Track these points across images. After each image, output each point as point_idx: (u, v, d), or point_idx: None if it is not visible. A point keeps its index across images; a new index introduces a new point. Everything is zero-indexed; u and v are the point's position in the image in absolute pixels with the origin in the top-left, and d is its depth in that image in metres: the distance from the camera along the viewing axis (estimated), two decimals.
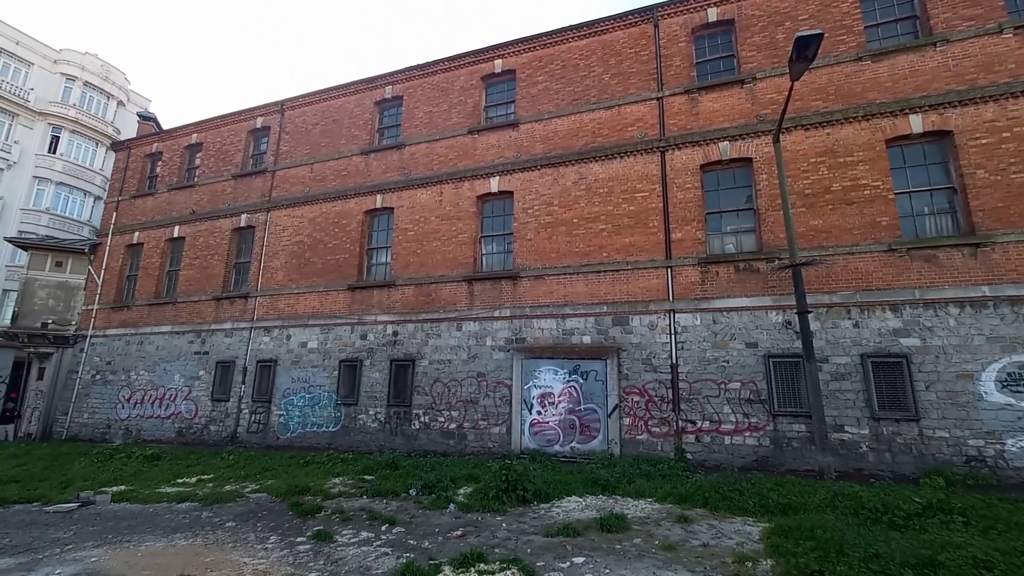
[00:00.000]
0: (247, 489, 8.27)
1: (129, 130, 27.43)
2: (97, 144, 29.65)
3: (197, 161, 18.43)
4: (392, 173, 14.72)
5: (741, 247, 10.93)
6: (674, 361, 10.57)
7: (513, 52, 14.05)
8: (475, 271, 13.03)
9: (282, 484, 8.33)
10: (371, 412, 13.10)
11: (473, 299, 12.79)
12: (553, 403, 11.30)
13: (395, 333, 13.41)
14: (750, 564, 4.73)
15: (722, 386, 10.14)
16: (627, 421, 10.66)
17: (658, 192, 11.56)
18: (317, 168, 15.90)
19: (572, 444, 10.89)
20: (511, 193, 13.12)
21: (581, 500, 7.38)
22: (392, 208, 14.47)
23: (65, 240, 20.87)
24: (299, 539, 5.59)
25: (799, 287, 7.71)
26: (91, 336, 17.82)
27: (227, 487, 8.39)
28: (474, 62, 14.49)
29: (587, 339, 11.45)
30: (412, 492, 7.85)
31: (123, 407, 16.45)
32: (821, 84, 10.78)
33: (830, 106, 10.62)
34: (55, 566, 4.77)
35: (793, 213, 9.61)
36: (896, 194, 9.89)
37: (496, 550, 5.12)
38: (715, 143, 11.32)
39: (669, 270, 11.07)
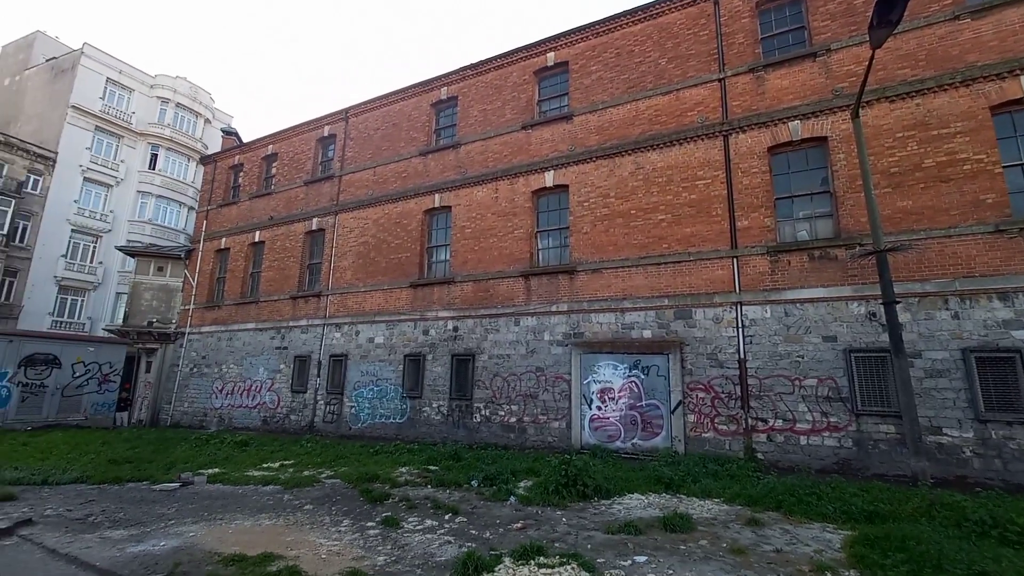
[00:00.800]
0: (323, 475, 8.87)
1: (215, 145, 30.02)
2: (189, 159, 32.70)
3: (273, 170, 19.84)
4: (449, 172, 15.06)
5: (816, 234, 10.16)
6: (742, 356, 10.05)
7: (565, 44, 13.87)
8: (531, 266, 13.07)
9: (354, 471, 8.85)
10: (434, 405, 13.56)
11: (530, 294, 12.84)
12: (613, 398, 11.13)
13: (455, 328, 13.76)
14: (829, 574, 4.43)
15: (796, 383, 9.51)
16: (692, 418, 10.29)
17: (721, 179, 10.99)
18: (379, 171, 16.60)
19: (634, 440, 10.68)
20: (566, 187, 13.01)
21: (643, 498, 7.23)
22: (450, 207, 14.82)
23: (165, 247, 23.28)
24: (369, 524, 5.93)
25: (885, 275, 7.06)
26: (188, 333, 19.79)
27: (305, 472, 9.04)
28: (526, 57, 14.46)
29: (648, 333, 11.16)
30: (474, 483, 8.06)
31: (216, 397, 18.14)
32: (909, 50, 9.73)
33: (920, 73, 9.57)
34: (160, 539, 5.38)
35: (876, 194, 8.76)
36: (1004, 167, 8.75)
37: (556, 544, 5.14)
38: (784, 123, 10.58)
39: (735, 260, 10.51)
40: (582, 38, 13.61)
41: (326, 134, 18.44)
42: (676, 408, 10.41)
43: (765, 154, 10.70)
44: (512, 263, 13.29)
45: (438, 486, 8.03)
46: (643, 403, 10.79)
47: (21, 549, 5.18)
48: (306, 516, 6.32)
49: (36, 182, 27.03)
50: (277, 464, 10.07)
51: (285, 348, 16.98)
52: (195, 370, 19.19)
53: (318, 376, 15.91)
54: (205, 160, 23.27)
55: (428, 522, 6.01)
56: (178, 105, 32.63)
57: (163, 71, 34.45)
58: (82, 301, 28.54)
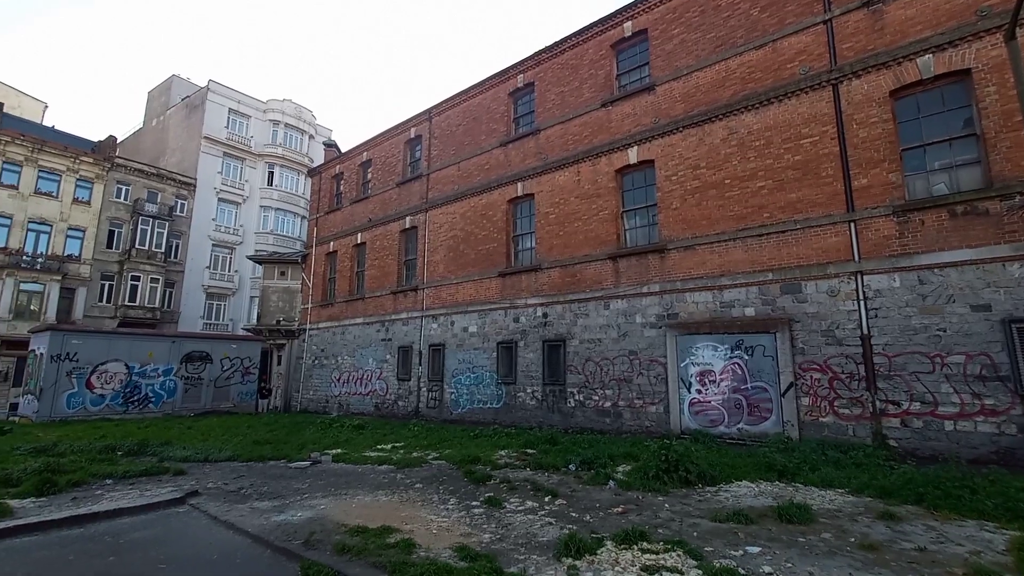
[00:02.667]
0: (429, 456, 9.50)
1: (318, 157, 32.91)
2: (298, 173, 36.29)
3: (369, 175, 21.35)
4: (530, 160, 15.09)
5: (957, 185, 8.67)
6: (865, 332, 8.95)
7: (643, 10, 13.13)
8: (619, 248, 12.72)
9: (457, 454, 9.37)
10: (528, 390, 13.84)
11: (619, 276, 12.52)
12: (714, 381, 10.53)
13: (545, 315, 13.87)
14: None
15: (937, 360, 8.27)
16: (806, 401, 9.41)
17: (831, 134, 9.78)
18: (463, 166, 17.11)
19: (739, 425, 10.05)
20: (651, 162, 12.42)
21: (753, 486, 6.80)
22: (532, 194, 14.88)
23: (284, 254, 26.21)
24: (473, 503, 6.26)
25: None
26: (308, 329, 22.15)
27: (414, 454, 9.75)
28: (602, 31, 13.94)
29: (750, 311, 10.36)
30: (571, 467, 8.14)
31: (335, 386, 20.15)
32: None
33: None
34: (296, 510, 6.16)
35: None
36: None
37: (659, 530, 5.03)
38: (911, 60, 9.09)
39: (852, 225, 9.34)
40: (660, 1, 12.78)
41: (412, 136, 19.38)
42: (787, 390, 9.59)
43: (886, 100, 9.31)
44: (598, 246, 13.04)
45: (536, 469, 8.22)
46: (748, 386, 10.08)
47: (191, 516, 6.23)
48: (417, 494, 6.84)
49: (182, 205, 31.78)
50: (389, 446, 10.97)
51: (389, 340, 18.33)
52: (316, 362, 21.45)
53: (420, 365, 16.98)
54: (311, 172, 25.69)
55: (529, 503, 6.19)
56: (286, 125, 36.33)
57: (272, 95, 38.43)
58: (224, 305, 33.21)
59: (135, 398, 17.92)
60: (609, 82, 13.70)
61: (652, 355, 11.60)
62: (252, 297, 32.91)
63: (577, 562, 4.18)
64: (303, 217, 34.64)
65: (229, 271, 33.44)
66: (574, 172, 13.93)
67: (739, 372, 10.24)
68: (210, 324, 31.84)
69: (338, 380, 20.11)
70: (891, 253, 8.90)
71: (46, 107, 37.93)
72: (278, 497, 6.82)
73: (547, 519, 5.52)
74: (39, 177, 26.29)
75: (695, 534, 4.95)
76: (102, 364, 17.33)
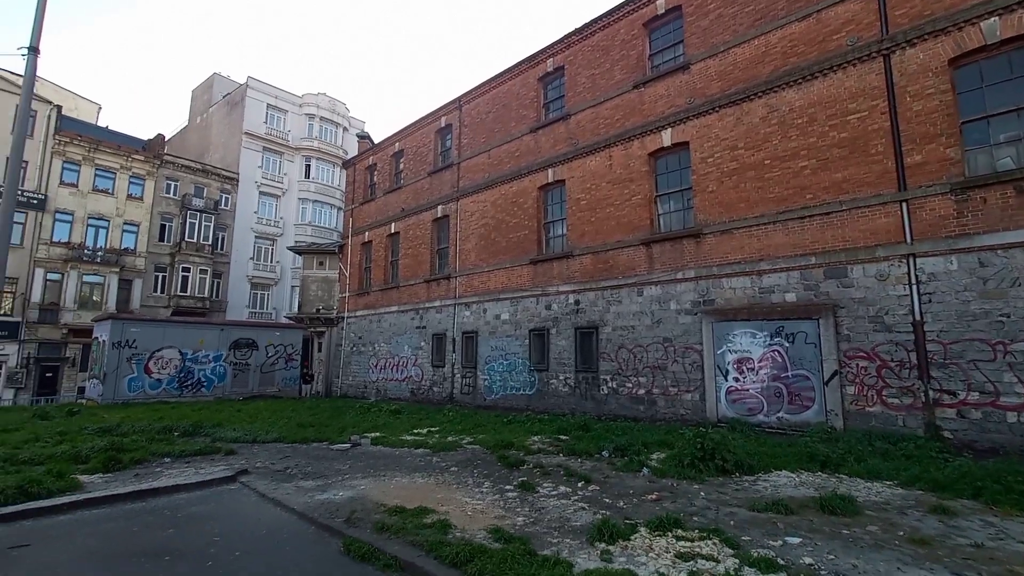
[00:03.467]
0: (464, 441, 9.70)
1: (352, 149, 33.53)
2: (333, 165, 37.12)
3: (401, 166, 21.63)
4: (560, 145, 14.91)
5: None
6: (917, 318, 8.48)
7: None
8: (652, 233, 12.46)
9: (491, 439, 9.52)
10: (561, 377, 13.86)
11: (652, 262, 12.29)
12: (753, 369, 10.25)
13: (577, 302, 13.79)
14: None
15: (999, 348, 7.76)
16: (852, 390, 9.04)
17: (881, 108, 9.20)
18: (493, 154, 17.08)
19: (779, 414, 9.76)
20: (686, 144, 12.04)
21: (794, 476, 6.62)
22: (563, 180, 14.72)
23: (322, 244, 26.98)
24: (507, 487, 6.37)
25: None
26: (346, 317, 22.83)
27: (449, 438, 9.98)
28: (634, 9, 13.51)
29: (791, 296, 9.99)
30: (605, 454, 8.13)
31: (372, 372, 20.76)
32: None
33: None
34: (338, 490, 6.44)
35: None
36: None
37: (694, 518, 4.99)
38: (973, 24, 8.41)
39: (904, 204, 8.81)
40: None
41: (443, 125, 19.45)
42: (831, 379, 9.23)
43: (944, 69, 8.67)
44: (631, 231, 12.81)
45: (569, 455, 8.27)
46: (789, 373, 9.76)
47: (241, 492, 6.61)
48: (452, 477, 7.01)
49: (227, 199, 33.11)
50: (425, 430, 11.26)
51: (424, 327, 18.69)
52: (354, 349, 22.13)
53: (453, 352, 17.26)
54: (346, 164, 26.23)
55: (562, 488, 6.25)
56: (321, 119, 37.15)
57: (307, 90, 39.28)
58: (268, 294, 34.61)
59: (189, 382, 19.04)
60: (641, 63, 13.31)
61: (687, 342, 11.38)
62: (293, 286, 34.15)
63: (610, 547, 4.21)
64: (339, 208, 35.49)
65: (271, 262, 34.76)
66: (605, 157, 13.67)
67: (779, 360, 9.92)
68: (255, 313, 33.28)
69: (375, 366, 20.70)
70: (948, 234, 8.36)
71: (100, 108, 40.08)
72: (321, 477, 7.13)
73: (580, 504, 5.56)
74: (96, 175, 27.93)
75: (732, 523, 4.88)
76: (158, 351, 18.45)
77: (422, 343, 18.64)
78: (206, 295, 30.48)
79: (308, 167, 36.37)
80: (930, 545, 4.29)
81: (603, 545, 4.23)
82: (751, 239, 10.67)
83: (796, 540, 4.42)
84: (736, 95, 11.15)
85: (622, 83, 13.57)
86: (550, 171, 15.06)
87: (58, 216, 26.41)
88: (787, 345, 9.84)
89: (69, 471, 6.94)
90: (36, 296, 25.22)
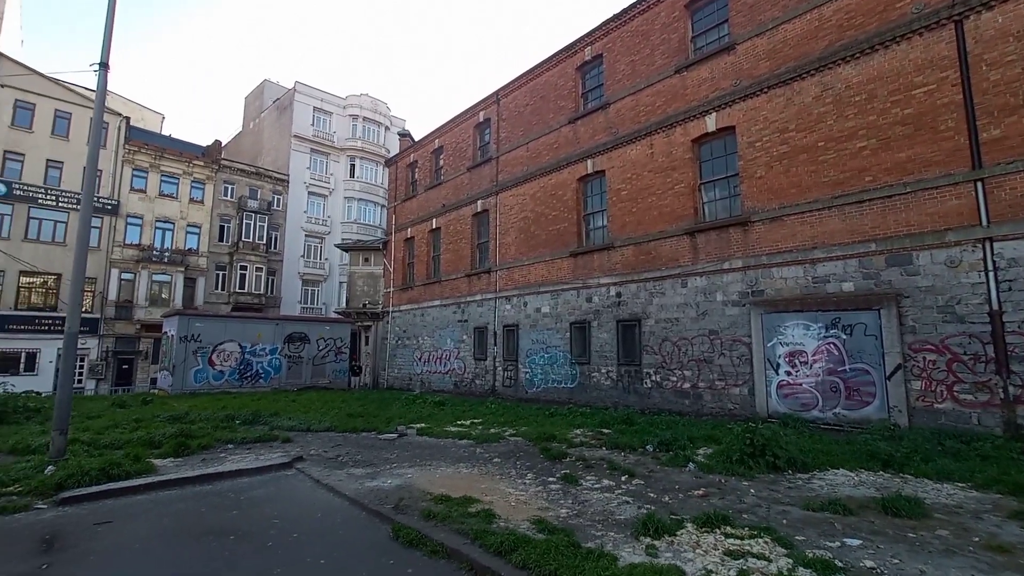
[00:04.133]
0: (506, 433, 9.81)
1: (394, 148, 34.33)
2: (377, 164, 38.11)
3: (441, 162, 21.93)
4: (600, 135, 14.66)
5: None
6: (995, 307, 7.81)
7: None
8: (696, 222, 12.07)
9: (533, 431, 9.58)
10: (603, 371, 13.72)
11: (697, 252, 11.92)
12: (806, 362, 9.78)
13: (618, 294, 13.59)
14: None
15: None
16: (917, 385, 8.46)
17: (952, 80, 8.48)
18: (531, 146, 17.02)
19: (836, 410, 9.28)
20: (732, 128, 11.56)
21: (852, 475, 6.29)
22: (603, 171, 14.49)
23: (367, 241, 27.84)
24: (550, 479, 6.40)
25: None
26: (391, 312, 23.50)
27: (492, 430, 10.11)
28: None
29: (848, 286, 9.44)
30: (649, 448, 8.01)
31: (417, 364, 21.30)
32: None
33: None
34: (387, 478, 6.67)
35: None
36: None
37: (744, 516, 4.84)
38: None
39: (978, 184, 8.11)
40: None
41: (481, 119, 19.55)
42: (894, 373, 8.67)
43: None
44: (674, 221, 12.47)
45: (612, 448, 8.20)
46: (846, 367, 9.25)
47: (297, 478, 6.98)
48: (496, 468, 7.12)
49: (279, 200, 34.72)
50: (468, 422, 11.46)
51: (465, 321, 18.96)
52: (399, 342, 22.76)
53: (495, 345, 17.43)
54: (388, 162, 26.88)
55: (605, 482, 6.21)
56: (364, 119, 38.20)
57: (351, 91, 40.44)
58: (317, 290, 36.14)
59: (248, 374, 20.21)
60: (683, 46, 12.85)
61: (735, 334, 11.00)
62: (341, 282, 35.48)
63: (656, 542, 4.15)
64: (382, 206, 36.47)
65: (320, 259, 36.24)
66: (646, 145, 13.34)
67: (835, 353, 9.41)
68: (306, 308, 34.84)
69: (419, 359, 21.21)
70: None
71: (163, 118, 42.86)
72: (370, 465, 7.42)
73: (624, 498, 5.52)
74: (161, 181, 29.96)
75: (784, 522, 4.70)
76: (220, 344, 19.68)
77: (464, 336, 18.92)
78: (262, 291, 32.18)
79: (353, 166, 37.55)
80: (1011, 553, 3.98)
81: (648, 540, 4.18)
82: (804, 226, 10.14)
83: (856, 542, 4.21)
84: (786, 74, 10.59)
85: (663, 68, 13.16)
86: (589, 162, 14.86)
87: (129, 220, 28.56)
88: (844, 337, 9.32)
89: (144, 455, 7.54)
90: (112, 294, 27.43)
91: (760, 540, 4.17)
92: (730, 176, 11.74)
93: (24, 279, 25.23)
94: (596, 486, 6.05)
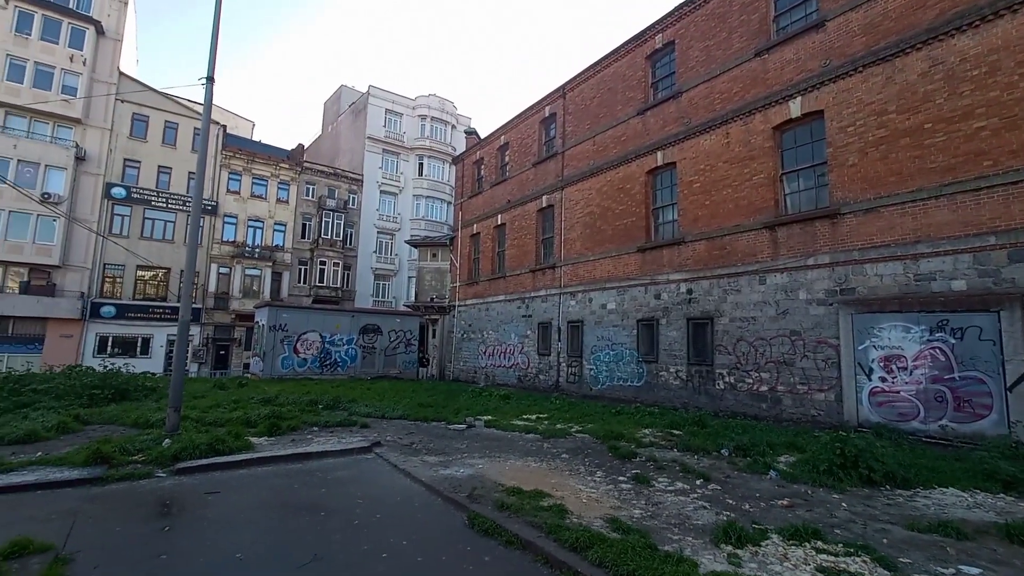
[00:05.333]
0: (572, 429, 9.79)
1: (460, 146, 35.10)
2: (443, 162, 39.20)
3: (506, 158, 22.14)
4: (671, 126, 14.13)
5: None
6: None
7: None
8: (777, 215, 11.32)
9: (600, 429, 9.49)
10: (671, 370, 13.29)
11: (777, 247, 11.19)
12: (905, 368, 8.90)
13: (689, 291, 13.07)
14: None
15: None
16: None
17: None
18: (598, 140, 16.73)
19: (942, 422, 8.38)
20: (820, 113, 10.71)
21: (965, 495, 5.66)
22: (674, 163, 13.95)
23: (434, 237, 28.76)
24: (620, 478, 6.32)
25: None
26: (457, 306, 24.14)
27: (558, 426, 10.14)
28: None
29: (959, 284, 8.45)
30: (724, 452, 7.68)
31: (481, 358, 21.75)
32: None
33: None
34: (459, 467, 6.91)
35: None
36: None
37: (836, 531, 4.52)
38: None
39: None
40: None
41: (547, 114, 19.49)
42: (1017, 384, 7.67)
43: None
44: (751, 214, 11.77)
45: (684, 451, 7.94)
46: (955, 375, 8.30)
47: (376, 462, 7.40)
48: (564, 463, 7.14)
49: (354, 199, 36.73)
50: (534, 416, 11.56)
51: (529, 316, 19.08)
52: (464, 336, 23.35)
53: (559, 341, 17.40)
54: (455, 160, 27.55)
55: (679, 484, 6.04)
56: (432, 119, 39.40)
57: (419, 92, 41.83)
58: (388, 284, 37.89)
59: (328, 362, 21.66)
60: (764, 26, 12.04)
61: (820, 335, 10.22)
62: (410, 277, 36.93)
63: (739, 551, 3.98)
64: (449, 203, 37.48)
65: (391, 255, 37.94)
66: (722, 135, 12.67)
67: (942, 358, 8.48)
68: (378, 301, 36.66)
69: (484, 353, 21.64)
70: None
71: (253, 125, 46.65)
72: (442, 454, 7.71)
73: (700, 503, 5.34)
74: (253, 183, 32.67)
75: (884, 541, 4.33)
76: (304, 333, 21.22)
77: (528, 331, 19.05)
78: (339, 285, 34.26)
79: (421, 165, 38.87)
80: None
81: (730, 548, 4.03)
82: (904, 218, 9.20)
83: (975, 571, 3.79)
84: (886, 50, 9.61)
85: (741, 52, 12.42)
86: (659, 154, 14.36)
87: (226, 219, 31.45)
88: (953, 342, 8.37)
89: (243, 433, 8.32)
90: (212, 287, 30.37)
91: (857, 559, 3.87)
92: (816, 165, 10.89)
93: (140, 272, 28.56)
94: (669, 488, 5.90)
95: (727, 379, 11.91)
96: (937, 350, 8.55)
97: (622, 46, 16.06)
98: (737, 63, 12.49)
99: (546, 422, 10.70)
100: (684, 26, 14.07)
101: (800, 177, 11.30)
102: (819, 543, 4.15)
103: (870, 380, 9.37)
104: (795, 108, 11.13)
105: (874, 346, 9.36)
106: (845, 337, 9.76)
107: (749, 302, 11.65)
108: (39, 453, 7.05)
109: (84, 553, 4.03)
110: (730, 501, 5.42)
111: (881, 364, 9.24)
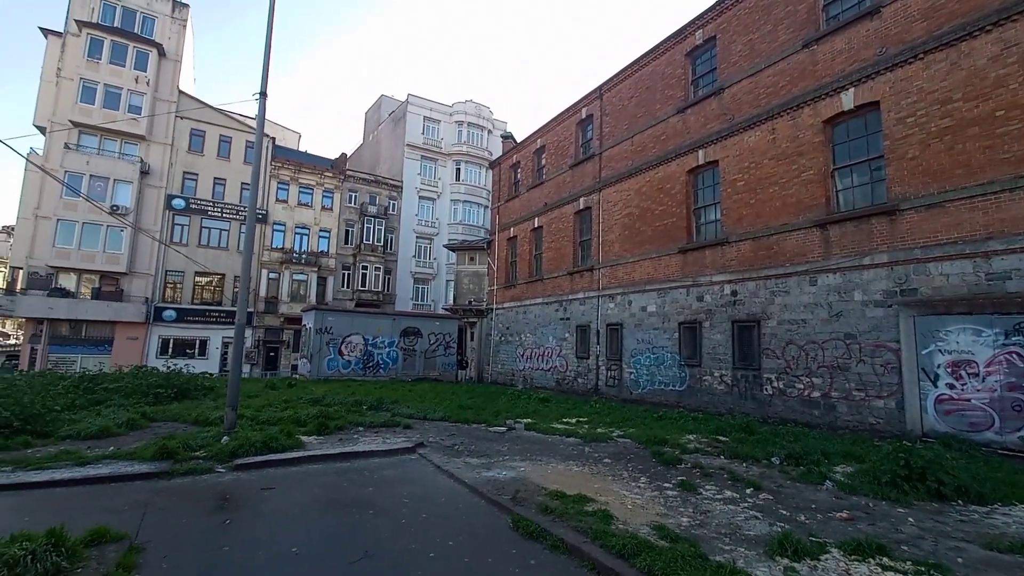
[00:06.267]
0: (614, 433, 9.65)
1: (496, 150, 35.37)
2: (480, 167, 39.60)
3: (543, 161, 22.15)
4: (712, 123, 13.75)
5: None
6: None
7: None
8: (829, 212, 10.81)
9: (642, 433, 9.31)
10: (715, 374, 12.89)
11: (829, 246, 10.68)
12: (976, 374, 8.28)
13: (734, 293, 12.65)
14: None
15: None
16: None
17: None
18: (636, 140, 16.48)
19: (1022, 433, 7.74)
20: (875, 104, 10.16)
21: None
22: (716, 161, 13.57)
23: (472, 241, 29.07)
24: (666, 484, 6.18)
25: None
26: (495, 309, 24.30)
27: (599, 430, 10.02)
28: None
29: None
30: (775, 460, 7.38)
31: (519, 361, 21.79)
32: None
33: None
34: (501, 469, 6.94)
35: None
36: None
37: (903, 547, 4.24)
38: None
39: None
40: None
41: (583, 116, 19.37)
42: None
43: None
44: (800, 212, 11.29)
45: (732, 458, 7.69)
46: None
47: (420, 463, 7.53)
48: (606, 468, 7.05)
49: (394, 205, 37.67)
50: (574, 420, 11.47)
51: (567, 319, 18.97)
52: (502, 338, 23.47)
53: (597, 344, 17.21)
54: (492, 164, 27.79)
55: (727, 493, 5.85)
56: (469, 124, 39.92)
57: (456, 99, 42.51)
58: (427, 288, 38.58)
59: (370, 364, 22.26)
60: (813, 16, 11.55)
61: (878, 339, 9.66)
62: (448, 280, 37.48)
63: (795, 564, 3.81)
64: (485, 207, 37.82)
65: (429, 259, 38.65)
66: (767, 130, 12.22)
67: (1020, 364, 7.84)
68: (417, 304, 37.40)
69: (522, 356, 21.67)
70: None
71: (300, 136, 48.65)
72: (484, 456, 7.77)
73: (751, 512, 5.15)
74: (299, 192, 34.08)
75: (959, 560, 4.04)
76: (348, 336, 21.91)
77: (566, 334, 18.94)
78: (380, 289, 35.20)
79: (458, 170, 39.43)
80: None
81: (786, 561, 3.85)
82: (973, 212, 8.58)
83: None
84: (950, 34, 9.02)
85: (788, 44, 11.95)
86: (700, 152, 14.00)
87: (275, 227, 32.93)
88: None
89: (295, 432, 8.67)
90: (262, 291, 31.84)
91: None
92: (872, 159, 10.33)
93: (198, 278, 30.30)
94: (718, 496, 5.72)
95: (775, 384, 11.44)
96: (1014, 355, 7.91)
97: (660, 44, 15.78)
98: (783, 56, 12.03)
99: (586, 426, 10.60)
100: (726, 20, 13.68)
101: (853, 172, 10.75)
102: (885, 559, 3.91)
103: (936, 387, 8.77)
104: (847, 100, 10.61)
105: (940, 350, 8.77)
106: (907, 341, 9.19)
107: (799, 304, 11.16)
108: (111, 448, 7.60)
109: (154, 543, 4.31)
110: (784, 512, 5.20)
111: (948, 370, 8.64)
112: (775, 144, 12.03)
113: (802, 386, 10.90)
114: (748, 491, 5.91)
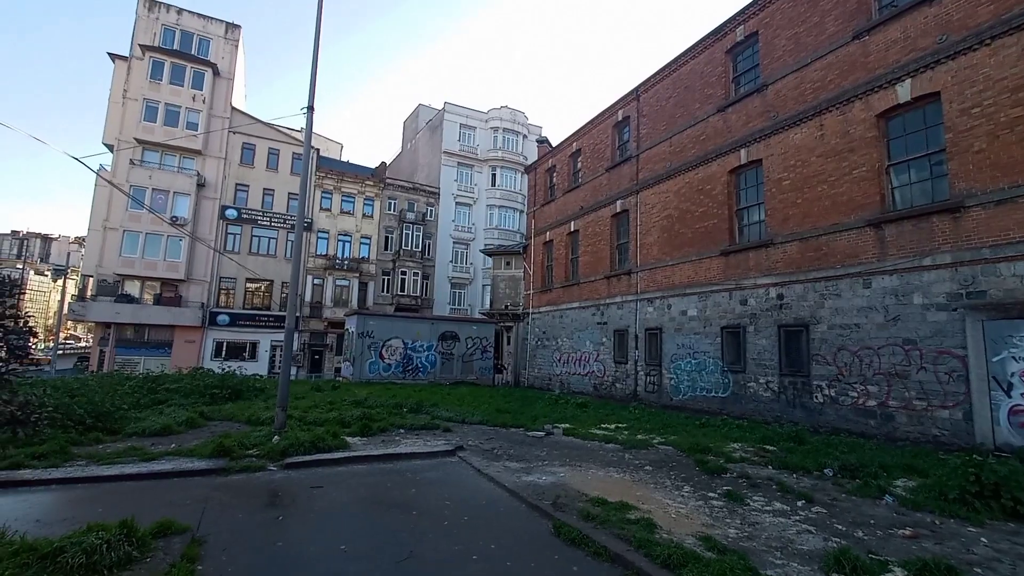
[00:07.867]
0: (655, 441, 9.46)
1: (532, 155, 35.49)
2: (515, 171, 39.89)
3: (579, 165, 22.06)
4: (755, 121, 13.32)
5: None
6: None
7: None
8: (884, 211, 10.25)
9: (684, 441, 9.09)
10: (761, 381, 12.42)
11: (884, 247, 10.12)
12: None
13: (780, 296, 12.18)
14: None
15: None
16: None
17: None
18: (675, 141, 16.17)
19: None
20: (935, 95, 9.57)
21: None
22: (759, 160, 13.13)
23: (508, 246, 29.25)
24: (711, 494, 6.01)
25: None
26: (531, 313, 24.32)
27: (639, 436, 9.85)
28: None
29: None
30: (828, 472, 7.04)
31: (556, 365, 21.70)
32: None
33: None
34: (540, 474, 6.94)
35: None
36: None
37: (976, 569, 3.96)
38: None
39: None
40: None
41: (620, 118, 19.18)
42: None
43: None
44: (852, 211, 10.76)
45: (780, 468, 7.39)
46: None
47: (460, 466, 7.63)
48: (648, 476, 6.93)
49: (431, 211, 38.42)
50: (612, 426, 11.32)
51: (605, 323, 18.75)
52: (539, 343, 23.44)
53: (636, 348, 16.92)
54: (527, 169, 27.91)
55: (777, 505, 5.63)
56: (504, 130, 40.32)
57: (491, 105, 43.00)
58: (464, 292, 39.07)
59: (410, 367, 22.72)
60: (864, 5, 11.02)
61: (941, 345, 9.06)
62: (484, 285, 37.82)
63: None
64: (521, 211, 38.01)
65: (466, 263, 39.14)
66: (815, 127, 11.73)
67: None
68: (454, 308, 37.91)
69: (558, 360, 21.57)
70: None
71: (342, 147, 50.39)
72: (523, 460, 7.79)
73: (804, 526, 4.94)
74: (342, 200, 35.31)
75: None
76: (388, 340, 22.46)
77: (603, 339, 18.73)
78: (418, 294, 35.93)
79: (494, 176, 39.84)
80: None
81: None
82: None
83: None
84: (1021, 17, 8.40)
85: (837, 35, 11.45)
86: (743, 151, 13.59)
87: (319, 234, 34.23)
88: None
89: (340, 433, 8.97)
90: (307, 297, 33.11)
91: None
92: (931, 153, 9.73)
93: (248, 284, 31.85)
94: (767, 508, 5.51)
95: (827, 392, 10.91)
96: None
97: (699, 43, 15.44)
98: (832, 48, 11.53)
99: (626, 432, 10.44)
100: (768, 15, 13.26)
101: (911, 168, 10.16)
102: None
103: (1009, 397, 8.13)
104: (904, 92, 10.05)
105: (1014, 358, 8.13)
106: (974, 347, 8.57)
107: (851, 307, 10.62)
108: (173, 445, 8.09)
109: (214, 536, 4.56)
110: (839, 526, 4.95)
111: (1022, 378, 8.00)
112: (823, 141, 11.53)
113: (856, 394, 10.35)
114: (799, 503, 5.67)
